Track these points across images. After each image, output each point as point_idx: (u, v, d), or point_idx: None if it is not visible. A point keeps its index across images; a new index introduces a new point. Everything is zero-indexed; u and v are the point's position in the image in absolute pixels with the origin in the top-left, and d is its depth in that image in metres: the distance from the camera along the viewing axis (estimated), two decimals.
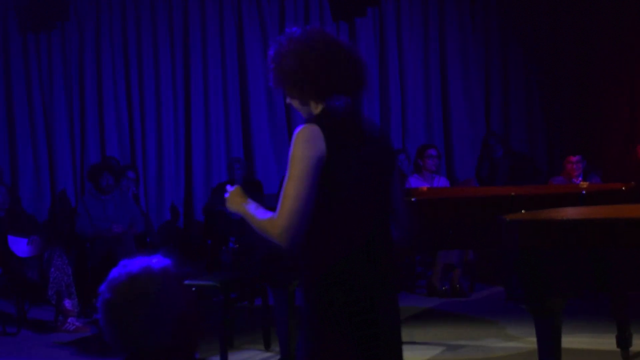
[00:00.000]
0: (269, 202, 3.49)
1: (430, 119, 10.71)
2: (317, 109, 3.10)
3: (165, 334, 2.11)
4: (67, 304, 7.81)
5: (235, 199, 3.18)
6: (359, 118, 3.12)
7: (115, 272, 2.19)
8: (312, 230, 2.99)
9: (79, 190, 9.62)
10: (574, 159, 9.35)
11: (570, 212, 5.94)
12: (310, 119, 3.05)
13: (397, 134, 10.51)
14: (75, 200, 9.52)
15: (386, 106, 10.57)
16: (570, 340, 6.06)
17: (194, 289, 6.32)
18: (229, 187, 3.26)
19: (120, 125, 9.77)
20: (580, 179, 9.19)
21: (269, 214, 3.02)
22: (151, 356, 2.11)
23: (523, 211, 5.63)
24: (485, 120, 10.87)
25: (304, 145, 2.96)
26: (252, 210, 3.09)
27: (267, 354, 6.76)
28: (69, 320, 7.79)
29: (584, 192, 7.19)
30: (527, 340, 6.58)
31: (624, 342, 6.04)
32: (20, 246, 7.96)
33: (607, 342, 6.34)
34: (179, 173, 9.97)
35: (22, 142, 9.50)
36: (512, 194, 7.19)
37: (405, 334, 7.06)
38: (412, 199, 7.35)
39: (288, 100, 3.17)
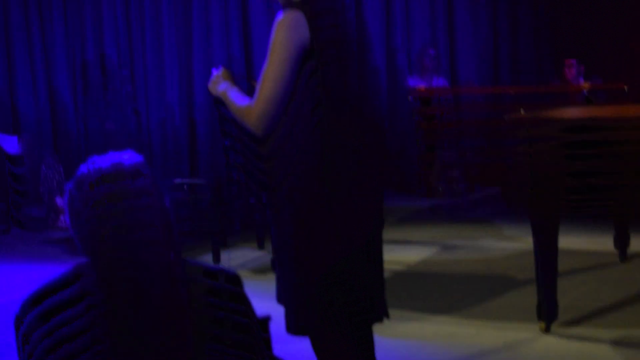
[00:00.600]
0: None
1: (434, 18, 10.46)
2: None
3: (136, 236, 1.99)
4: (59, 201, 7.75)
5: (218, 82, 3.06)
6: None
7: (83, 168, 2.05)
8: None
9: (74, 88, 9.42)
10: (568, 62, 9.23)
11: (572, 112, 5.82)
12: (291, 5, 2.88)
13: (402, 34, 10.26)
14: (70, 97, 9.33)
15: (390, 6, 10.30)
16: (568, 241, 5.99)
17: (185, 187, 6.23)
18: (214, 70, 3.14)
19: (117, 28, 9.50)
20: (581, 80, 9.05)
21: (247, 101, 2.90)
22: (120, 258, 1.99)
23: (522, 110, 5.49)
24: (492, 23, 10.64)
25: (286, 32, 2.81)
26: (232, 96, 2.97)
27: (260, 253, 6.70)
28: (61, 217, 7.73)
29: (585, 92, 7.07)
30: (524, 240, 6.51)
31: (621, 242, 5.97)
32: (11, 143, 7.85)
33: (604, 242, 6.28)
34: (181, 77, 9.73)
35: (17, 38, 9.24)
36: (512, 93, 7.07)
37: (401, 233, 7.07)
38: (409, 98, 7.25)
39: None
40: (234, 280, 2.09)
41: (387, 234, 3.10)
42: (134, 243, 1.98)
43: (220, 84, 3.06)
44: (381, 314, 2.91)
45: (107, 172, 2.01)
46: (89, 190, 1.99)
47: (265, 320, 2.19)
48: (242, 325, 1.99)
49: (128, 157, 2.06)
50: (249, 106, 2.87)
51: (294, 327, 2.86)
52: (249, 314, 2.07)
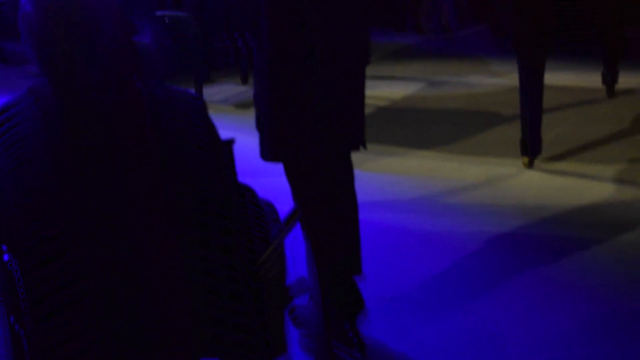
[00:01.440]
0: None
1: None
2: None
3: (96, 52, 1.90)
4: None
5: None
6: None
7: None
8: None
9: None
10: None
11: None
12: None
13: None
14: None
15: None
16: (555, 77, 5.91)
17: (166, 20, 6.09)
18: None
19: None
20: None
21: None
22: (80, 80, 1.91)
23: None
24: None
25: None
26: None
27: (243, 88, 6.63)
28: None
29: None
30: (511, 76, 6.40)
31: (609, 79, 5.89)
32: None
33: (592, 79, 6.20)
34: None
35: None
36: None
37: (386, 70, 6.97)
38: None
39: None
40: (199, 101, 2.04)
41: (373, 69, 3.01)
42: (89, 54, 1.90)
43: None
44: (359, 143, 2.84)
45: None
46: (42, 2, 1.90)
47: (229, 142, 2.14)
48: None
49: None
50: None
51: (267, 153, 2.81)
52: (213, 139, 2.02)
